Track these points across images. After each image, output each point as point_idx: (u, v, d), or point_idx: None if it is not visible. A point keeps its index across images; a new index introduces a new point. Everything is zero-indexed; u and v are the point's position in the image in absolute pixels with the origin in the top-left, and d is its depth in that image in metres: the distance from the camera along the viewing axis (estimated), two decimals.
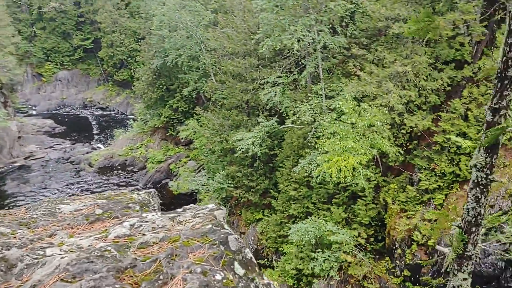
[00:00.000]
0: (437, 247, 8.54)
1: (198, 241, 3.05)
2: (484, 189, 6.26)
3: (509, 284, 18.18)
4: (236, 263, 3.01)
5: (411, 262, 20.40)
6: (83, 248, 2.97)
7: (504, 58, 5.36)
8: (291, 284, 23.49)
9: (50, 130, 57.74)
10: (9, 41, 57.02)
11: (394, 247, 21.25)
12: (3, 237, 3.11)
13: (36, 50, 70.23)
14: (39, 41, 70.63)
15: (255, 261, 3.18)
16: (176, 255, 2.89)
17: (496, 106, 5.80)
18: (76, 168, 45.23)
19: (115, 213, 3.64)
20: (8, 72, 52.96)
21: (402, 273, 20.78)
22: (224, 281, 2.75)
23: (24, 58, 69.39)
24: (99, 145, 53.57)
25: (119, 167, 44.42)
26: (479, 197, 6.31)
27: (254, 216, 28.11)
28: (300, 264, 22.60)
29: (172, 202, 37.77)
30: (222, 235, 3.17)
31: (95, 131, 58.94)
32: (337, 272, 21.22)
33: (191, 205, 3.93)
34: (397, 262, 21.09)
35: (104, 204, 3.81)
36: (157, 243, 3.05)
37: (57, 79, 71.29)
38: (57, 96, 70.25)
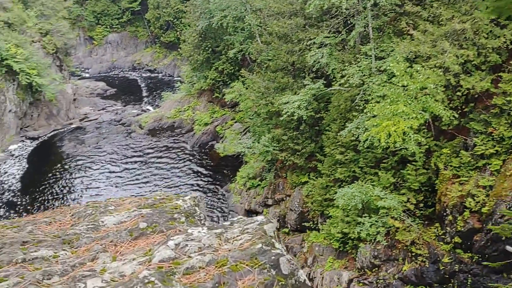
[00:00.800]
0: (507, 247, 7.99)
1: (247, 264, 2.89)
2: None
3: None
4: None
5: (462, 229, 19.80)
6: (125, 276, 2.91)
7: None
8: (337, 247, 23.67)
9: (102, 93, 59.89)
10: (62, 5, 58.65)
11: (444, 214, 20.66)
12: (45, 263, 3.11)
13: (87, 14, 71.87)
14: (90, 4, 72.16)
15: (308, 283, 2.99)
16: (224, 283, 2.75)
17: None
18: (127, 130, 46.94)
19: (160, 227, 3.55)
20: (62, 36, 54.82)
21: (453, 240, 20.28)
22: None
23: (76, 22, 71.29)
24: (148, 107, 55.04)
25: (167, 129, 45.61)
26: None
27: (300, 179, 28.13)
28: (346, 228, 22.59)
29: (219, 163, 38.56)
30: (273, 257, 2.97)
31: (144, 93, 60.46)
32: (384, 237, 21.05)
33: (239, 217, 3.81)
34: (448, 228, 20.55)
35: (149, 216, 3.71)
36: (203, 268, 2.92)
37: (107, 42, 73.09)
38: (107, 59, 72.27)
